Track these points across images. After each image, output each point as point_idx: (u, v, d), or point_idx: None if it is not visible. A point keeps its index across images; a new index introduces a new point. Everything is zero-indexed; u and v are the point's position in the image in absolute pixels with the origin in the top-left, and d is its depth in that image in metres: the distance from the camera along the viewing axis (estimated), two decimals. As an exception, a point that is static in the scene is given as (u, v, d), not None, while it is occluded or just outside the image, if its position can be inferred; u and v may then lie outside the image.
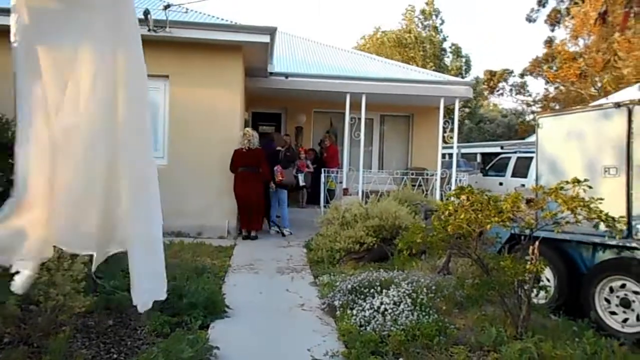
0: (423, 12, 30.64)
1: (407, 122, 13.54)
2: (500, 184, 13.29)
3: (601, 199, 3.75)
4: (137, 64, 2.15)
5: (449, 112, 12.70)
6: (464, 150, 20.41)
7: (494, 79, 32.14)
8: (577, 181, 3.77)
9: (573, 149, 5.00)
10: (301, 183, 9.76)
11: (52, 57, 2.03)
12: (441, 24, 30.90)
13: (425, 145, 12.86)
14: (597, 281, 4.47)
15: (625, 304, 4.27)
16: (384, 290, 4.50)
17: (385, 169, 12.38)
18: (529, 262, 3.83)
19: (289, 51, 13.25)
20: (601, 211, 3.67)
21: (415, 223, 5.36)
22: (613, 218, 3.68)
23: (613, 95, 5.39)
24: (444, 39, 30.89)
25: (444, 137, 11.20)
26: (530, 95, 31.14)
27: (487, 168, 15.26)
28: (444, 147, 11.74)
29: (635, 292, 4.21)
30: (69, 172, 2.07)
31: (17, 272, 2.04)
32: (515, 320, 3.86)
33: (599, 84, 21.73)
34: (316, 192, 10.84)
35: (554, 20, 26.08)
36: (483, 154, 20.42)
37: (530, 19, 26.91)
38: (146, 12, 7.41)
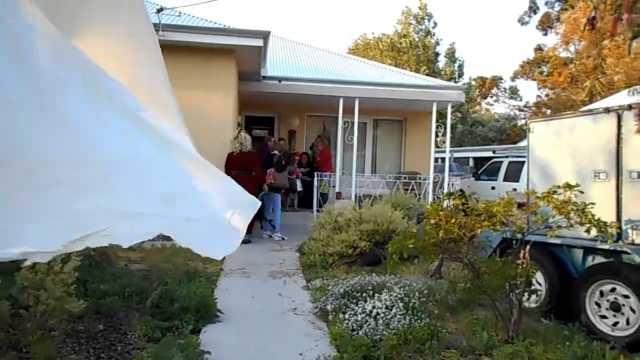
0: (416, 17, 30.79)
1: (399, 126, 13.58)
2: (493, 188, 13.34)
3: (593, 204, 3.78)
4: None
5: (441, 116, 12.77)
6: (456, 155, 20.45)
7: (485, 86, 32.34)
8: (569, 186, 3.81)
9: (564, 153, 5.05)
10: (299, 188, 9.77)
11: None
12: (434, 27, 31.10)
13: (418, 150, 12.88)
14: (588, 285, 4.50)
15: (616, 307, 4.30)
16: (377, 295, 4.50)
17: (378, 173, 12.38)
18: (520, 266, 3.86)
19: (282, 55, 13.26)
20: (593, 216, 3.71)
21: (407, 228, 5.37)
22: (605, 223, 3.72)
23: (602, 101, 5.44)
24: (437, 43, 31.06)
25: (436, 141, 11.25)
26: (521, 100, 31.43)
27: (479, 172, 15.32)
28: (436, 151, 11.77)
29: (625, 296, 4.25)
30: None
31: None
32: (506, 324, 3.88)
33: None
34: (309, 196, 10.84)
35: (546, 25, 26.35)
36: (475, 158, 20.49)
37: (522, 22, 27.23)
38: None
